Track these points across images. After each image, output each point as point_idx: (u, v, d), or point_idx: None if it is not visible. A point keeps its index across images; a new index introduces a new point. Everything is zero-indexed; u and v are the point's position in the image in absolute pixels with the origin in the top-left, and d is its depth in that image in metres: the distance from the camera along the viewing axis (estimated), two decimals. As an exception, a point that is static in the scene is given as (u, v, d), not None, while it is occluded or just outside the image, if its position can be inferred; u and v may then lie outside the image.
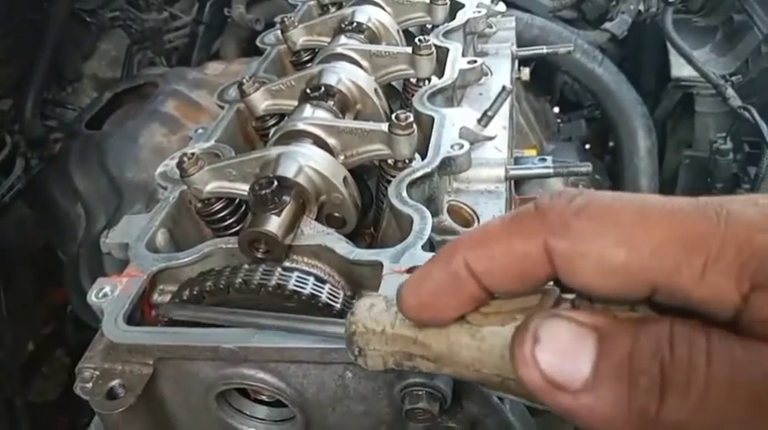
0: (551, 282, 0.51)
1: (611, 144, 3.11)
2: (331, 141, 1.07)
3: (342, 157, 1.07)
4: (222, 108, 1.32)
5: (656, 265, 0.44)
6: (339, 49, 1.29)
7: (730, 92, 2.59)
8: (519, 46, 1.73)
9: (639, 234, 0.45)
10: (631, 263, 0.45)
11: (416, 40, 1.24)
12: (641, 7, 2.95)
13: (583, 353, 0.45)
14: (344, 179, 1.02)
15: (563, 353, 0.45)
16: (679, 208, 0.46)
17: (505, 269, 0.50)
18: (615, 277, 0.46)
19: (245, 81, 1.24)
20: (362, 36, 1.37)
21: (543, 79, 3.05)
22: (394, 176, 1.02)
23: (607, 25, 2.89)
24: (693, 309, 0.44)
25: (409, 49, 1.26)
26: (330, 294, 0.84)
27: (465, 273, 0.51)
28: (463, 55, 1.36)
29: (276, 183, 0.93)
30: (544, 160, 1.32)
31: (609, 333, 0.45)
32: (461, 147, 1.05)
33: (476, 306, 0.53)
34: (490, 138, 1.19)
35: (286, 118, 1.20)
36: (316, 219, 0.99)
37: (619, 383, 0.43)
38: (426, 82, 1.27)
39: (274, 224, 0.91)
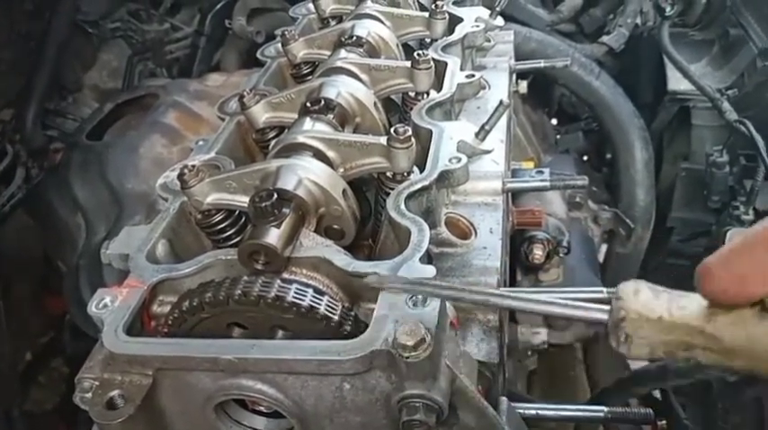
0: None
1: (608, 156, 3.13)
2: (330, 154, 1.08)
3: (341, 170, 1.08)
4: (223, 120, 1.33)
5: None
6: (339, 63, 1.31)
7: (726, 105, 2.60)
8: (517, 59, 1.75)
9: None
10: None
11: (415, 54, 1.26)
12: (638, 21, 2.97)
13: None
14: (343, 191, 1.03)
15: None
16: None
17: None
18: None
19: (245, 93, 1.25)
20: (362, 50, 1.39)
21: (541, 92, 3.07)
22: (392, 189, 1.03)
23: (604, 39, 2.91)
24: None
25: (408, 63, 1.28)
26: (328, 306, 0.85)
27: None
28: (461, 69, 1.38)
29: (276, 195, 0.95)
30: (541, 173, 1.33)
31: None
32: (459, 160, 1.07)
33: None
34: (487, 152, 1.20)
35: (286, 131, 1.21)
36: (315, 231, 1.00)
37: None
38: (425, 95, 1.28)
39: (274, 236, 0.92)
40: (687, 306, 0.53)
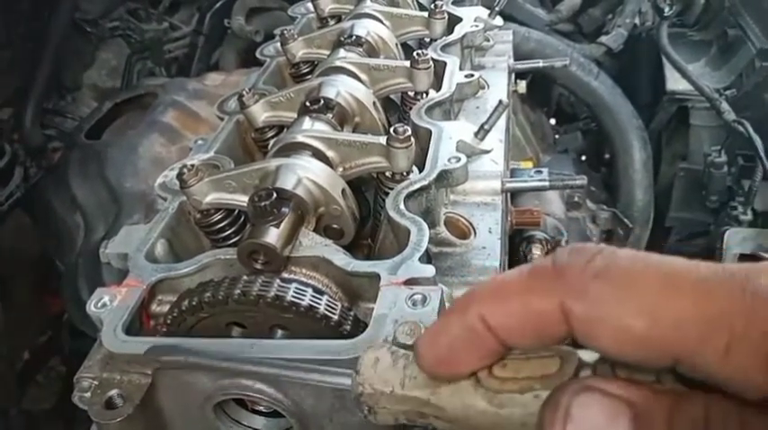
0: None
1: (606, 156, 3.13)
2: (330, 154, 1.08)
3: (340, 170, 1.08)
4: (221, 119, 1.33)
5: (678, 339, 0.42)
6: (338, 63, 1.31)
7: (725, 106, 2.61)
8: (516, 59, 1.75)
9: (662, 304, 0.43)
10: (652, 334, 0.43)
11: (414, 53, 1.26)
12: (637, 21, 2.97)
13: None
14: (343, 191, 1.03)
15: None
16: (704, 278, 0.43)
17: (522, 325, 0.48)
18: (635, 346, 0.44)
19: (244, 93, 1.25)
20: (361, 49, 1.39)
21: (540, 91, 3.07)
22: (392, 188, 1.03)
23: (603, 39, 2.92)
24: (719, 386, 0.43)
25: (407, 63, 1.28)
26: (328, 306, 0.85)
27: (481, 327, 0.49)
28: (461, 68, 1.38)
29: (275, 194, 0.94)
30: (540, 172, 1.33)
31: (643, 411, 0.43)
32: (458, 160, 1.07)
33: (495, 360, 0.51)
34: (487, 152, 1.21)
35: (285, 130, 1.21)
36: (314, 231, 1.00)
37: None
38: (424, 95, 1.28)
39: (273, 235, 0.92)
40: (417, 376, 0.54)
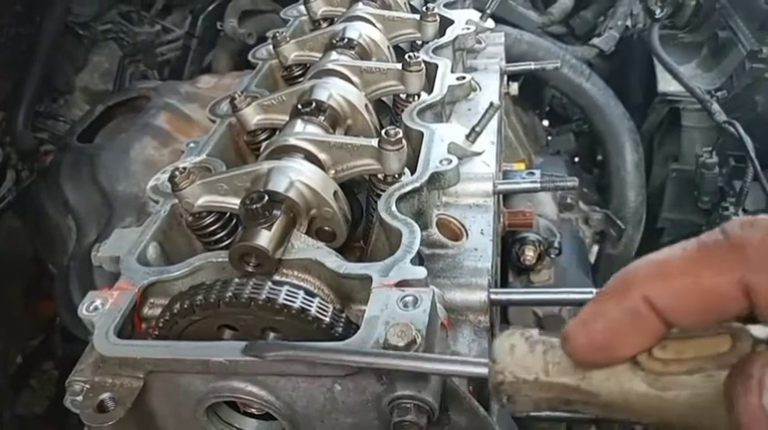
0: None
1: (599, 157, 3.15)
2: (322, 156, 1.08)
3: (332, 172, 1.08)
4: (214, 122, 1.33)
5: None
6: (330, 65, 1.31)
7: (715, 107, 2.63)
8: (508, 61, 1.76)
9: None
10: None
11: (406, 56, 1.26)
12: (628, 23, 2.99)
13: None
14: (335, 193, 1.03)
15: None
16: None
17: (692, 304, 0.47)
18: None
19: (236, 95, 1.25)
20: (353, 52, 1.39)
21: (532, 93, 3.08)
22: (383, 191, 1.03)
23: (595, 41, 2.93)
24: None
25: (399, 66, 1.28)
26: (320, 308, 0.85)
27: (645, 308, 0.47)
28: (452, 71, 1.38)
29: (267, 197, 0.95)
30: (532, 174, 1.34)
31: None
32: (450, 162, 1.07)
33: (657, 342, 0.49)
34: (478, 154, 1.21)
35: (277, 133, 1.21)
36: (306, 233, 1.00)
37: None
38: (416, 97, 1.28)
39: (265, 238, 0.92)
40: (562, 361, 0.52)
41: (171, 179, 1.04)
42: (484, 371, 0.56)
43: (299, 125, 1.15)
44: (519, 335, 0.54)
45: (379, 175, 1.07)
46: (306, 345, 0.77)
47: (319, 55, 1.44)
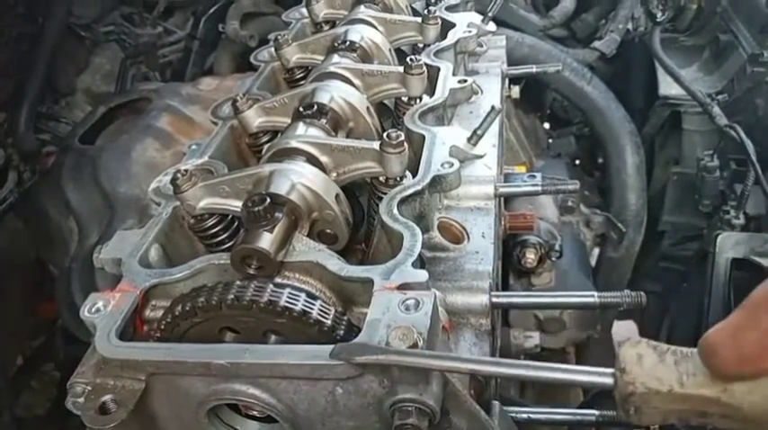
0: None
1: (600, 160, 3.15)
2: (323, 159, 1.08)
3: (334, 175, 1.09)
4: (216, 124, 1.34)
5: None
6: (332, 68, 1.31)
7: (717, 110, 2.62)
8: (509, 64, 1.76)
9: None
10: None
11: (408, 59, 1.26)
12: (630, 26, 2.99)
13: None
14: (336, 196, 1.04)
15: None
16: None
17: None
18: None
19: (238, 98, 1.26)
20: (355, 55, 1.39)
21: (533, 96, 3.08)
22: (385, 194, 1.03)
23: (596, 44, 2.93)
24: None
25: (401, 69, 1.28)
26: (321, 310, 0.85)
27: None
28: (454, 74, 1.38)
29: (269, 199, 0.95)
30: (533, 177, 1.34)
31: None
32: (451, 165, 1.07)
33: None
34: (479, 157, 1.21)
35: (279, 135, 1.22)
36: (308, 236, 1.00)
37: None
38: (417, 101, 1.29)
39: (266, 241, 0.92)
40: (698, 373, 0.50)
41: (173, 181, 1.04)
42: (609, 381, 0.54)
43: (301, 128, 1.15)
44: (645, 345, 0.52)
45: (381, 178, 1.07)
46: (392, 350, 0.76)
47: (321, 58, 1.44)
